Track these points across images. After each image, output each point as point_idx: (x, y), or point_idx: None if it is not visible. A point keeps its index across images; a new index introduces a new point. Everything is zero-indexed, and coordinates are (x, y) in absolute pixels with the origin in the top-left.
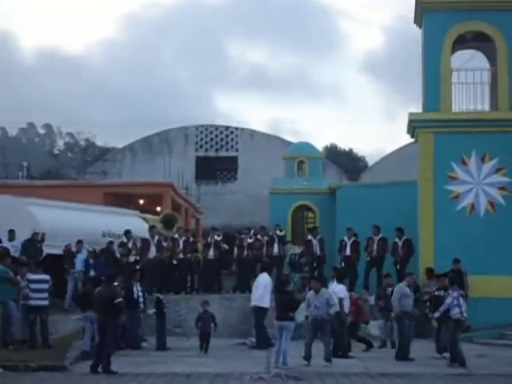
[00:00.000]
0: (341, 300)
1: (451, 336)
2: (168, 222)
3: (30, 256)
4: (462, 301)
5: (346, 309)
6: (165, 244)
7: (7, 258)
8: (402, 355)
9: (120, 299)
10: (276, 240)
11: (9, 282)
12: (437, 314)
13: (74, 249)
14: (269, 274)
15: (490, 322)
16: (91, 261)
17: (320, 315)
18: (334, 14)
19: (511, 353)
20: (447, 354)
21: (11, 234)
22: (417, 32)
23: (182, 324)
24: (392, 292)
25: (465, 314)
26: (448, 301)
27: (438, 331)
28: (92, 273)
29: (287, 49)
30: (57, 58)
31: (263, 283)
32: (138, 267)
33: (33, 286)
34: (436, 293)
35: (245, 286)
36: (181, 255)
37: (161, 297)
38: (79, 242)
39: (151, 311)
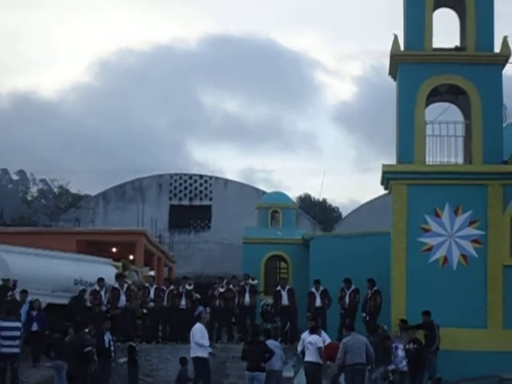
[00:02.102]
0: (320, 349)
1: None
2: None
3: (0, 303)
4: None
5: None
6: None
7: None
8: None
9: (90, 348)
10: (247, 289)
11: None
12: (391, 367)
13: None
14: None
15: (462, 375)
16: (34, 313)
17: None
18: (308, 64)
19: None
20: None
21: None
22: (389, 83)
23: (153, 373)
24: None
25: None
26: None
27: None
28: (35, 326)
29: (262, 99)
30: (31, 103)
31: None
32: (108, 315)
33: (4, 333)
34: (407, 346)
35: (218, 336)
36: (151, 304)
37: (134, 345)
38: (23, 292)
39: (123, 360)
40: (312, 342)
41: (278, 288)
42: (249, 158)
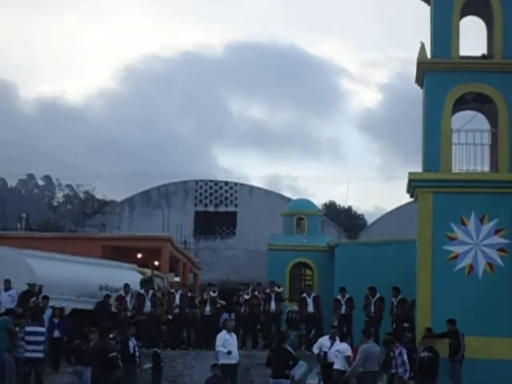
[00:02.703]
0: (348, 358)
1: None
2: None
3: (26, 308)
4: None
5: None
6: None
7: (10, 314)
8: None
9: (114, 353)
10: (273, 297)
11: (5, 333)
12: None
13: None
14: None
15: None
16: (56, 320)
17: None
18: (334, 71)
19: None
20: None
21: (7, 284)
22: (415, 90)
23: (177, 379)
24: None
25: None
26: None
27: None
28: (56, 333)
29: (287, 105)
30: (57, 108)
31: None
32: (133, 321)
33: (29, 338)
34: (421, 354)
35: (243, 343)
36: (177, 310)
37: (158, 351)
38: (44, 298)
39: (147, 366)
40: (340, 350)
41: (304, 295)
42: (274, 165)
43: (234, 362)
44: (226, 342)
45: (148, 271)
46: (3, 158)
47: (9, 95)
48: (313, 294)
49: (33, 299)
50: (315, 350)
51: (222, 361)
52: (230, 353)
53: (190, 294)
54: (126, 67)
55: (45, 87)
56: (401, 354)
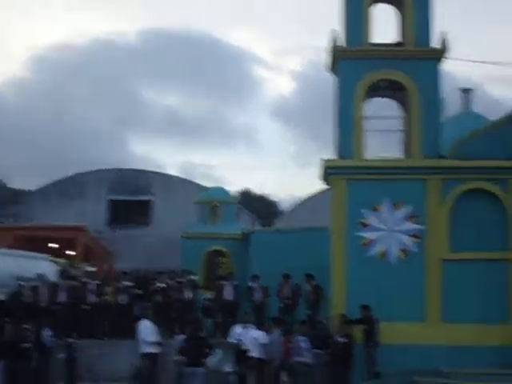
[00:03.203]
0: (265, 345)
1: None
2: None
3: None
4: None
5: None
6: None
7: None
8: None
9: (29, 344)
10: (187, 285)
11: None
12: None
13: None
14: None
15: (401, 369)
16: None
17: None
18: (248, 59)
19: None
20: None
21: None
22: (328, 78)
23: (93, 369)
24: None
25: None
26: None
27: None
28: None
29: (201, 93)
30: None
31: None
32: (47, 312)
33: None
34: (338, 339)
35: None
36: (92, 299)
37: (72, 341)
38: None
39: (62, 356)
40: (257, 338)
41: (223, 282)
42: (189, 153)
43: (157, 351)
44: (152, 330)
45: (62, 261)
46: None
47: None
48: (234, 282)
49: None
50: (230, 338)
51: (150, 350)
52: (155, 342)
53: (104, 284)
54: (36, 55)
55: None
56: (299, 341)
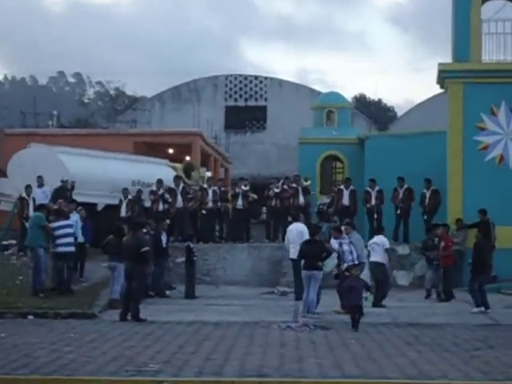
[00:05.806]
0: (386, 250)
1: None
2: (186, 171)
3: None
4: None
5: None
6: (191, 194)
7: (43, 209)
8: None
9: (147, 248)
10: (300, 190)
11: (41, 230)
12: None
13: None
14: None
15: None
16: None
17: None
18: None
19: None
20: None
21: (40, 181)
22: None
23: (210, 273)
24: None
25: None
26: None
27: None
28: (81, 238)
29: None
30: (84, 6)
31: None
32: (166, 216)
33: (58, 232)
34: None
35: (274, 235)
36: (210, 204)
37: (191, 245)
38: (72, 203)
39: (181, 260)
40: (378, 243)
41: (341, 187)
42: (302, 59)
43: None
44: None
45: (180, 166)
46: (33, 55)
47: None
48: (351, 187)
49: (59, 201)
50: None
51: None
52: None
53: (222, 189)
54: None
55: None
56: (341, 244)
